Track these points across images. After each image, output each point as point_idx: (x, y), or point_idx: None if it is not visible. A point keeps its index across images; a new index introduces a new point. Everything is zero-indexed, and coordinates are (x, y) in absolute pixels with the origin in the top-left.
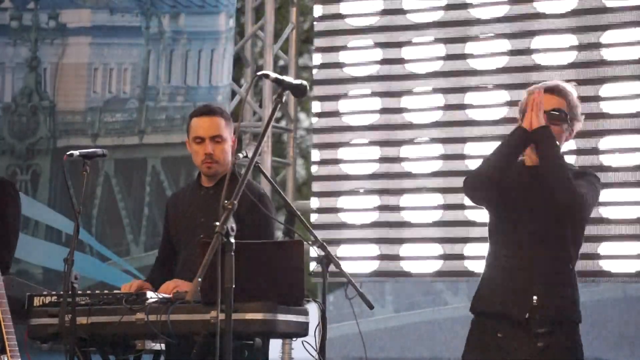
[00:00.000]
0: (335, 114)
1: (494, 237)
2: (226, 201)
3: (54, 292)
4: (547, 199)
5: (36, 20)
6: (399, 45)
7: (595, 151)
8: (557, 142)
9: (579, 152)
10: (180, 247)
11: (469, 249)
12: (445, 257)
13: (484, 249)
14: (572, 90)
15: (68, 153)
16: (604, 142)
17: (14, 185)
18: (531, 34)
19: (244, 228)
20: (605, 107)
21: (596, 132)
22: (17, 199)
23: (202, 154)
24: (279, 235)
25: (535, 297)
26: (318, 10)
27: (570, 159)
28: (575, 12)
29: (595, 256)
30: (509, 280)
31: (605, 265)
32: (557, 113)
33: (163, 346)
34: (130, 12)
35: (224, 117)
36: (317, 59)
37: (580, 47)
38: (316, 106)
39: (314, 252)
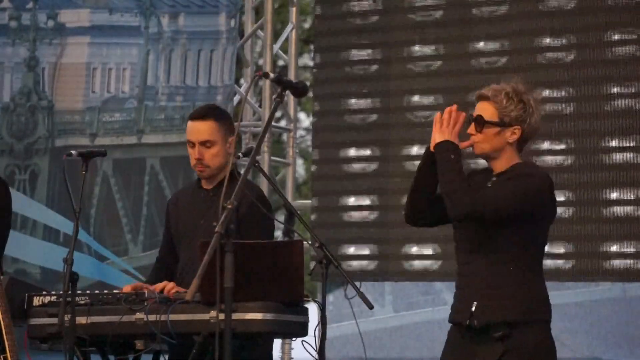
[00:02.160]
0: (336, 113)
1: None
2: (226, 201)
3: (53, 292)
4: None
5: (35, 20)
6: (399, 44)
7: (596, 150)
8: (453, 156)
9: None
10: (180, 249)
11: None
12: (444, 256)
13: None
14: (510, 89)
15: (67, 153)
16: (606, 141)
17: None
18: (532, 32)
19: (243, 228)
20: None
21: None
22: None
23: (193, 158)
24: (278, 235)
25: (475, 303)
26: (319, 9)
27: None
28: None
29: (595, 256)
30: (458, 288)
31: (605, 264)
32: (470, 120)
33: (163, 346)
34: (130, 12)
35: (217, 119)
36: (317, 58)
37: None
38: (316, 105)
39: (313, 252)
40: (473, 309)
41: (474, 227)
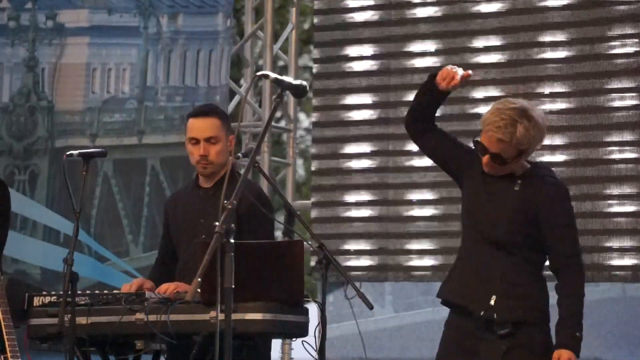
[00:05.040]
0: (335, 108)
1: (464, 227)
2: (226, 201)
3: (53, 292)
4: (499, 209)
5: (34, 21)
6: (399, 39)
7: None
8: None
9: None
10: (180, 248)
11: None
12: (445, 251)
13: None
14: (518, 117)
15: (68, 153)
16: (609, 136)
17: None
18: (533, 28)
19: (243, 228)
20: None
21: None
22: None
23: (197, 155)
24: (278, 235)
25: (494, 297)
26: (318, 4)
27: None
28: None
29: (595, 255)
30: (473, 275)
31: (605, 264)
32: (487, 153)
33: (163, 346)
34: (129, 12)
35: (220, 117)
36: (317, 53)
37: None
38: (316, 100)
39: (313, 252)
40: (492, 302)
41: (499, 230)
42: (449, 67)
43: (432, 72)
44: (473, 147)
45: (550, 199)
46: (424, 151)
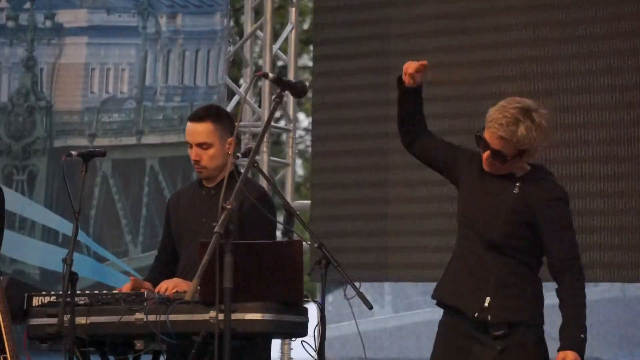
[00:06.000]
0: (335, 106)
1: (459, 227)
2: (225, 202)
3: (53, 292)
4: (496, 209)
5: (32, 20)
6: (399, 37)
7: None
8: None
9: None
10: (181, 248)
11: None
12: (445, 250)
13: None
14: (521, 117)
15: (67, 153)
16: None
17: None
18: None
19: (244, 228)
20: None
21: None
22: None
23: (192, 159)
24: (278, 235)
25: (488, 298)
26: (318, 2)
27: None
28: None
29: (595, 255)
30: (467, 276)
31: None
32: (488, 150)
33: (163, 346)
34: (127, 12)
35: (215, 121)
36: (317, 51)
37: None
38: (315, 99)
39: (313, 252)
40: (486, 304)
41: (503, 229)
42: (408, 63)
43: (399, 76)
44: (467, 150)
45: (548, 202)
46: (419, 159)
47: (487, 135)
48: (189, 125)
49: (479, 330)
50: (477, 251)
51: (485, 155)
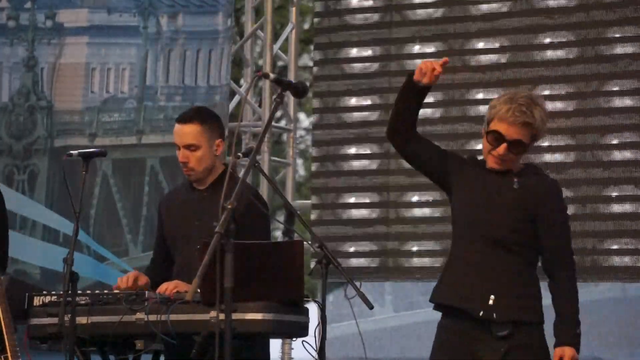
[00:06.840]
0: (335, 110)
1: (457, 228)
2: (226, 202)
3: (53, 292)
4: (499, 207)
5: (33, 20)
6: (399, 42)
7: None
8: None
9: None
10: (176, 250)
11: None
12: (446, 253)
13: None
14: (538, 106)
15: (68, 153)
16: (606, 138)
17: None
18: (533, 29)
19: (241, 228)
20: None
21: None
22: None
23: (180, 161)
24: (278, 235)
25: (492, 297)
26: (318, 6)
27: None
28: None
29: (595, 255)
30: (469, 275)
31: (605, 264)
32: (502, 140)
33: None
34: (128, 12)
35: (202, 122)
36: (317, 55)
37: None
38: (316, 102)
39: (313, 252)
40: (491, 302)
41: (499, 227)
42: (426, 61)
43: (409, 72)
44: (456, 153)
45: (549, 196)
46: (409, 160)
47: (502, 128)
48: (177, 127)
49: (483, 331)
50: (478, 250)
51: (502, 148)
